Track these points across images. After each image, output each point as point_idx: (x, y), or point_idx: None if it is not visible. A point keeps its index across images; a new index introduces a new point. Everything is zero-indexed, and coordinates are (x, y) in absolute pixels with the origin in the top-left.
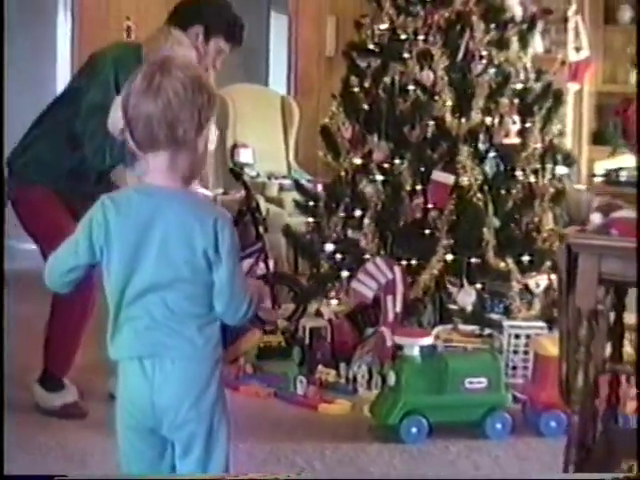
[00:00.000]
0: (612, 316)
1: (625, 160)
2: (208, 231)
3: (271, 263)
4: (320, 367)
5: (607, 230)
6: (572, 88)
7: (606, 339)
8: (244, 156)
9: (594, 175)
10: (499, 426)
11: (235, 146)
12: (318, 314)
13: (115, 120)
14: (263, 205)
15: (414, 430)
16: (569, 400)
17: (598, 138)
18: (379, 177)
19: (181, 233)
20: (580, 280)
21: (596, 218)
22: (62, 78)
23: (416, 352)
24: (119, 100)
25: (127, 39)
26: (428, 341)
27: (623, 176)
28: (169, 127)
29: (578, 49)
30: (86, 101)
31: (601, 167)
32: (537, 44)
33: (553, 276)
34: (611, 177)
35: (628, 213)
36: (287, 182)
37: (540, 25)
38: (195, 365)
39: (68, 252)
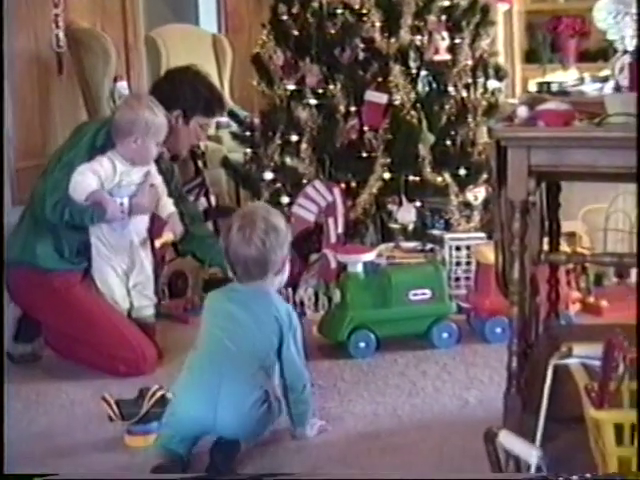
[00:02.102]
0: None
1: (557, 75)
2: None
3: (213, 198)
4: None
5: (534, 122)
6: (502, 8)
7: (542, 231)
8: None
9: (528, 92)
10: (445, 335)
11: None
12: None
13: (79, 186)
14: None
15: (362, 345)
16: (507, 292)
17: (530, 56)
18: (313, 101)
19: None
20: (510, 173)
21: (522, 111)
22: None
23: (359, 269)
24: (84, 167)
25: None
26: (370, 257)
27: (554, 87)
28: (261, 266)
29: None
30: (60, 161)
31: (534, 84)
32: None
33: (490, 188)
34: (542, 89)
35: (553, 105)
36: (224, 120)
37: None
38: None
39: None
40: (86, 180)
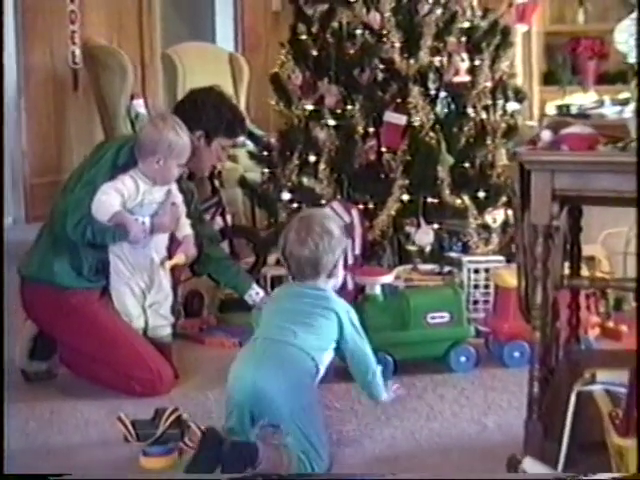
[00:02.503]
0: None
1: (576, 98)
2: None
3: (229, 218)
4: None
5: (558, 146)
6: (520, 29)
7: (563, 255)
8: None
9: (545, 115)
10: (463, 359)
11: None
12: (279, 263)
13: (102, 206)
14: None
15: (380, 368)
16: (530, 317)
17: (548, 78)
18: (332, 122)
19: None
20: (534, 197)
21: (546, 135)
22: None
23: (378, 291)
24: (108, 187)
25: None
26: (389, 279)
27: (574, 109)
28: (313, 267)
29: None
30: (81, 180)
31: (553, 107)
32: None
33: (509, 211)
34: (562, 111)
35: (577, 128)
36: (240, 139)
37: None
38: None
39: None
40: (109, 200)
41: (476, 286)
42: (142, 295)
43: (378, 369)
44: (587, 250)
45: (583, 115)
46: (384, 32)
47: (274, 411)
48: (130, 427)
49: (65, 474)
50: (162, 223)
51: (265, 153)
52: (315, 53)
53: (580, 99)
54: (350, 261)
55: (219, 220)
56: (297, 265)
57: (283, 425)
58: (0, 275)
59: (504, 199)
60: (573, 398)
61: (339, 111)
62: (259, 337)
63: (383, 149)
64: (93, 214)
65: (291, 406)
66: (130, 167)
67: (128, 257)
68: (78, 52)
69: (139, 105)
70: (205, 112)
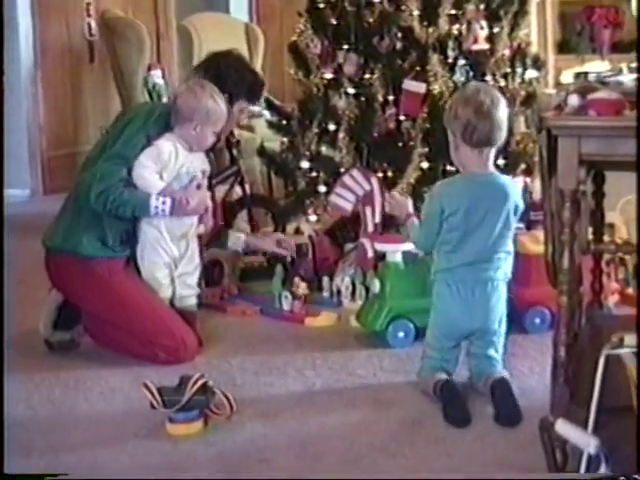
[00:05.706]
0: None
1: (593, 66)
2: (516, 197)
3: (247, 187)
4: (296, 280)
5: (585, 111)
6: None
7: (589, 220)
8: None
9: (560, 84)
10: None
11: None
12: (298, 232)
13: (147, 183)
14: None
15: (401, 334)
16: (556, 281)
17: (563, 47)
18: (351, 90)
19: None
20: (561, 162)
21: (574, 100)
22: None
23: (398, 258)
24: (146, 158)
25: None
26: (409, 246)
27: (592, 77)
28: (495, 137)
29: None
30: (111, 149)
31: (567, 76)
32: None
33: (528, 179)
34: (580, 78)
35: (605, 94)
36: (256, 109)
37: None
38: None
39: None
40: (152, 177)
41: None
42: (173, 264)
43: None
44: (606, 217)
45: (601, 82)
46: (403, 0)
47: (485, 334)
48: (156, 394)
49: (62, 474)
50: (190, 208)
51: (284, 122)
52: (334, 22)
53: (595, 67)
54: (370, 229)
55: (238, 189)
56: (479, 138)
57: (487, 341)
58: (0, 262)
59: (523, 166)
60: (602, 361)
61: (358, 79)
62: (460, 274)
63: (402, 117)
64: (136, 181)
65: (497, 325)
66: (163, 134)
67: (168, 226)
68: (94, 24)
69: (156, 75)
70: (229, 75)
